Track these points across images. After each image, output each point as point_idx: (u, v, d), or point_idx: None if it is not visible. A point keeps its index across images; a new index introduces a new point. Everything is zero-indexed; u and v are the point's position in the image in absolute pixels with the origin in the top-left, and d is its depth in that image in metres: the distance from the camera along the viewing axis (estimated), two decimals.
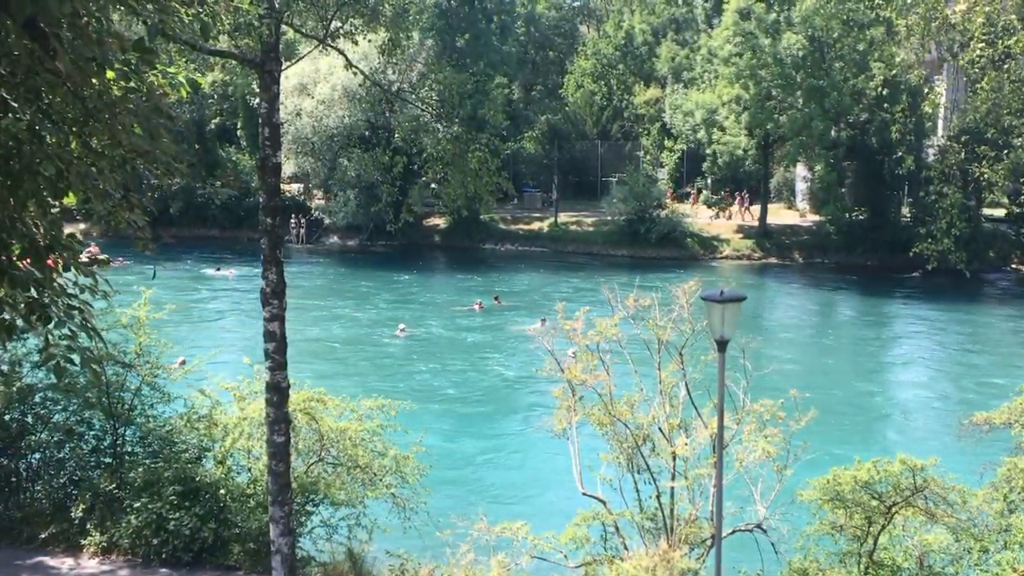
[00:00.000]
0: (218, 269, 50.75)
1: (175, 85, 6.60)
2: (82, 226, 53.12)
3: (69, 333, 5.21)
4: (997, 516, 13.39)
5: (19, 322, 5.30)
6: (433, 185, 49.63)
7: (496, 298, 41.25)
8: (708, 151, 58.07)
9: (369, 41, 14.53)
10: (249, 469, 15.31)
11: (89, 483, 15.02)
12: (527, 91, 75.48)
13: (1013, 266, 52.82)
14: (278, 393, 12.64)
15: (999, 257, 52.35)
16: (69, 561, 14.29)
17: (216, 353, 19.17)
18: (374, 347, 36.26)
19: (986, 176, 45.04)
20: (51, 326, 5.17)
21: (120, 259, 53.45)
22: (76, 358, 5.20)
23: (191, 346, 28.03)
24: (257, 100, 12.54)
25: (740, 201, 61.19)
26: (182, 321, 37.54)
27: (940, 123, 57.82)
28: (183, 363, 24.39)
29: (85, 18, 5.09)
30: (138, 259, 52.10)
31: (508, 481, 23.30)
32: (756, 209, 59.31)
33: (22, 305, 5.07)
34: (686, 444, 13.71)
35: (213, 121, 69.56)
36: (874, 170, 54.57)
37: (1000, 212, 55.81)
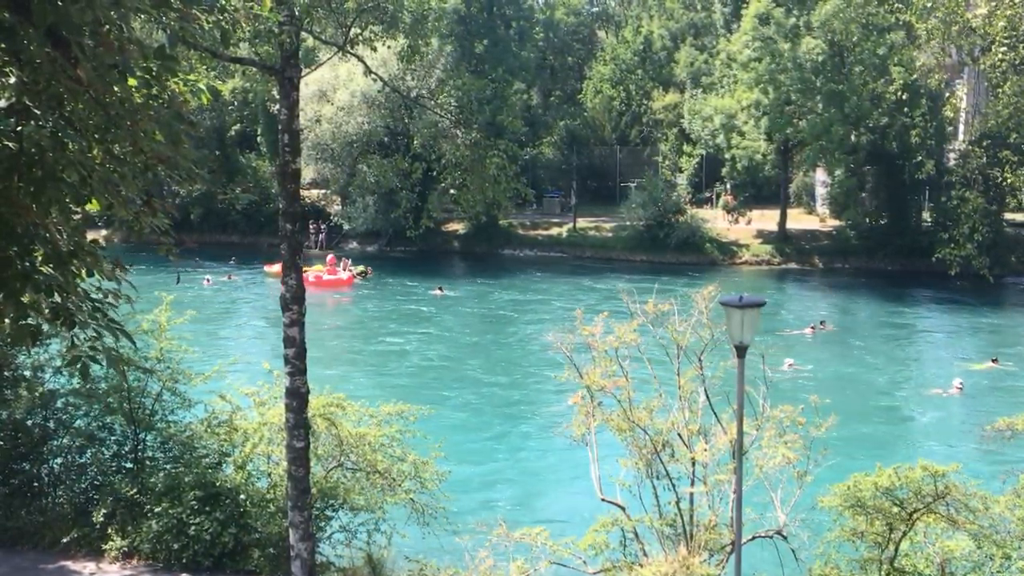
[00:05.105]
0: (440, 289, 48.27)
1: (196, 92, 6.65)
2: (104, 232, 53.50)
3: (94, 334, 5.25)
4: (1020, 523, 13.26)
5: (44, 327, 5.35)
6: (452, 191, 49.72)
7: (823, 323, 39.81)
8: (727, 156, 57.94)
9: (388, 47, 14.59)
10: (269, 474, 15.36)
11: (110, 488, 15.09)
12: (545, 97, 75.53)
13: None
14: (297, 398, 12.70)
15: (1021, 262, 51.89)
16: (91, 565, 14.39)
17: (236, 360, 19.22)
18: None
19: (1008, 181, 44.67)
20: (75, 329, 5.21)
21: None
22: (102, 358, 5.24)
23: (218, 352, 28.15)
24: (277, 107, 12.62)
25: None
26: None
27: (961, 127, 57.41)
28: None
29: (106, 26, 5.13)
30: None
31: (527, 487, 23.29)
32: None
33: (46, 310, 5.12)
34: (705, 450, 13.63)
35: (233, 128, 70.05)
36: (894, 175, 54.28)
37: (1022, 217, 55.33)
